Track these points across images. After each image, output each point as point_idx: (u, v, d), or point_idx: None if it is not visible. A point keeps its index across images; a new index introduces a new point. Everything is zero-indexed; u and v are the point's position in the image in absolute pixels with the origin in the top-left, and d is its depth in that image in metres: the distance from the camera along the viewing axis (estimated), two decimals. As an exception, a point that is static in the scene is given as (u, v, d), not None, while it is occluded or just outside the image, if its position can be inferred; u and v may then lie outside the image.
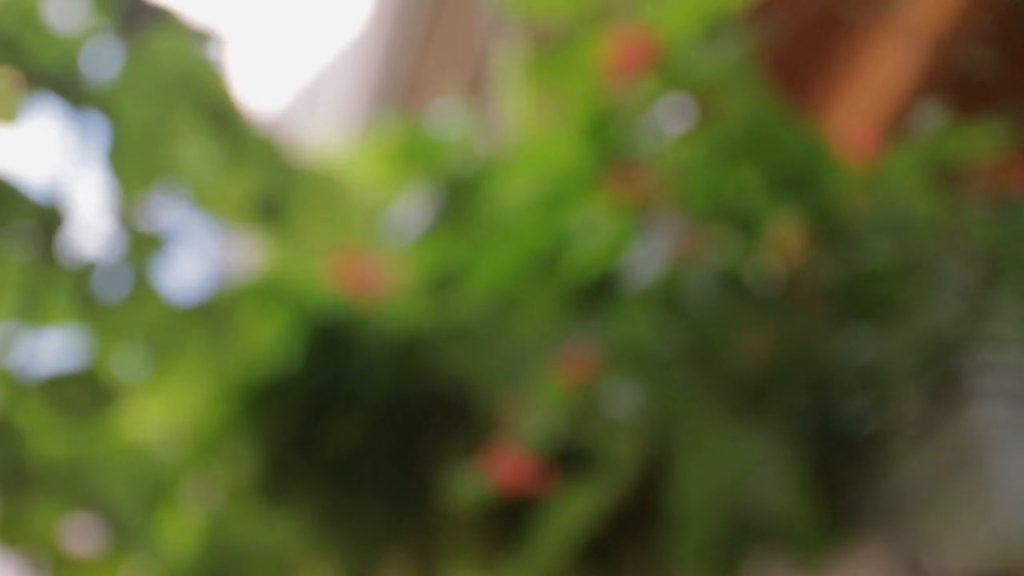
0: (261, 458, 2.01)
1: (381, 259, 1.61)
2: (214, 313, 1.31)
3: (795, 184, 1.44)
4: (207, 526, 1.55)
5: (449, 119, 1.76)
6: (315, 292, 1.94)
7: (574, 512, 1.30)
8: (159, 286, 1.32)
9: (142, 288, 1.32)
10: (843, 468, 1.32)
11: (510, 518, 1.93)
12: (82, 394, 1.27)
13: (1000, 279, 1.30)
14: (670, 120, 1.54)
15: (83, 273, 1.33)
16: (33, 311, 1.67)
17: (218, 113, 1.35)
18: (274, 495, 1.99)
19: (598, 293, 1.47)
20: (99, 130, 1.47)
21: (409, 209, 1.68)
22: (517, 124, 2.41)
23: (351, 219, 1.30)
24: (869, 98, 2.55)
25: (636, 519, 1.94)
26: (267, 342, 1.95)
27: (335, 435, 2.03)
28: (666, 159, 1.54)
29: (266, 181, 1.30)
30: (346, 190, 1.29)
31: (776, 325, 1.37)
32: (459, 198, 1.60)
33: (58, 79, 1.45)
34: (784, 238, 1.53)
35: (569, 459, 1.77)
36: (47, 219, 1.29)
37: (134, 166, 1.46)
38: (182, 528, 1.89)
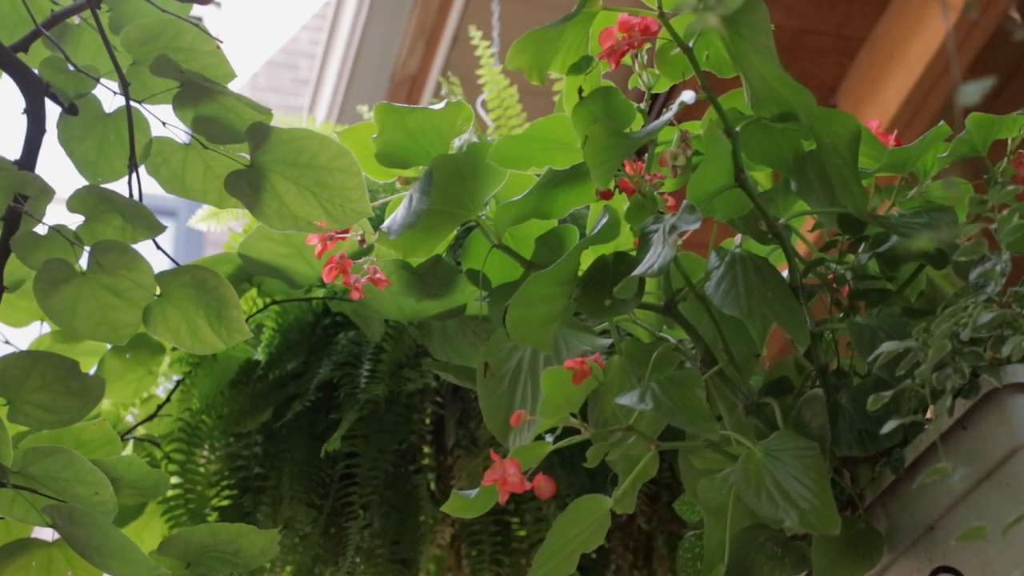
0: (232, 452, 1.93)
1: (368, 240, 1.53)
2: (185, 284, 1.22)
3: (815, 166, 1.37)
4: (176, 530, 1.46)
5: (438, 101, 1.68)
6: (293, 271, 1.84)
7: (586, 516, 1.22)
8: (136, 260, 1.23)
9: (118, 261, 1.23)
10: (866, 469, 1.26)
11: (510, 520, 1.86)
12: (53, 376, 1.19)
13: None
14: (676, 104, 1.46)
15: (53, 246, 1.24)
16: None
17: (198, 77, 1.27)
18: (245, 494, 1.90)
19: (601, 284, 1.39)
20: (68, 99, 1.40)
21: (400, 190, 1.59)
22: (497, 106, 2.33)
23: (338, 192, 1.22)
24: (896, 86, 2.51)
25: (638, 519, 1.87)
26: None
27: (310, 428, 1.94)
28: (671, 143, 1.47)
29: (249, 149, 1.22)
30: (334, 158, 1.21)
31: (795, 317, 1.30)
32: (452, 179, 1.52)
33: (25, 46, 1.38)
34: (804, 226, 1.46)
35: (574, 460, 1.70)
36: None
37: (105, 136, 1.39)
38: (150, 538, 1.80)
